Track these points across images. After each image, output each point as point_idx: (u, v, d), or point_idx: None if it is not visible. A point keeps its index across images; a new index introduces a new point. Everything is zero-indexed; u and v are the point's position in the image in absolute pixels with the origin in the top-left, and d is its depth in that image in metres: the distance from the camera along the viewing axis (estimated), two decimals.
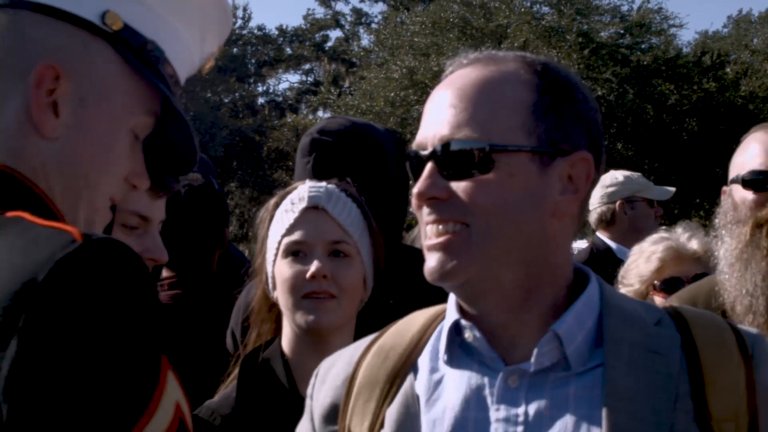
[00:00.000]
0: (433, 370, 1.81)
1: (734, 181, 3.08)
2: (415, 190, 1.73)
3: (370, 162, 3.22)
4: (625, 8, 28.55)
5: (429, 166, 1.72)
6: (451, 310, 1.82)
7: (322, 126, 3.33)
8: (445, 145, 1.70)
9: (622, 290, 3.78)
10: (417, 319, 1.94)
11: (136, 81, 1.62)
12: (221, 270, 4.08)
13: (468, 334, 1.77)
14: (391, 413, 1.80)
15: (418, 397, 1.80)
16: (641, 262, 3.81)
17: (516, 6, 28.02)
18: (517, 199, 1.69)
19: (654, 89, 26.90)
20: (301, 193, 2.69)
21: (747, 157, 3.08)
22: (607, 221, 6.19)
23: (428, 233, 1.72)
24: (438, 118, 1.73)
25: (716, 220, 3.07)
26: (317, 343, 2.59)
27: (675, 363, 1.69)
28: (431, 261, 1.71)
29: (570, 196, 1.75)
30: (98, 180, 1.60)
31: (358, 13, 55.87)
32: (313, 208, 2.64)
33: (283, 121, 44.13)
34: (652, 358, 1.70)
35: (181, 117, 1.68)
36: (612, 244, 6.09)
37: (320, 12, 56.81)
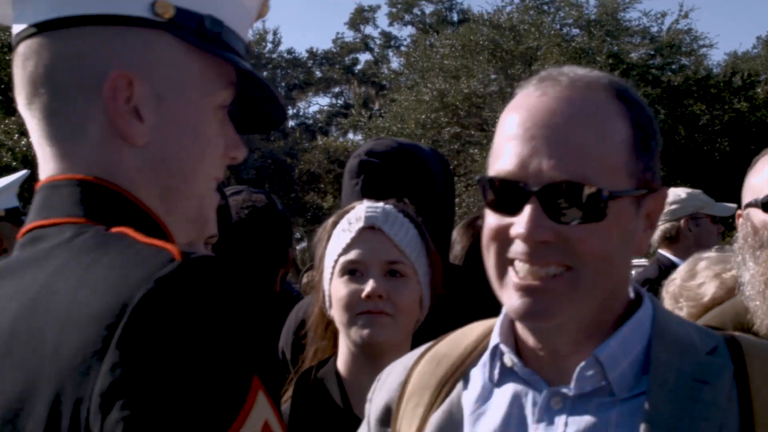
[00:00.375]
0: (483, 382, 1.79)
1: (751, 204, 2.99)
2: (518, 229, 1.61)
3: (418, 182, 3.24)
4: (654, 29, 28.60)
5: (533, 205, 1.60)
6: (495, 331, 1.80)
7: (369, 147, 3.34)
8: (557, 185, 1.59)
9: (681, 303, 3.69)
10: (474, 329, 1.92)
11: (205, 60, 1.58)
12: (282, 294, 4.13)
13: (507, 359, 1.76)
14: (435, 420, 1.79)
15: (462, 408, 1.79)
16: (708, 279, 3.69)
17: (546, 28, 28.10)
18: (620, 243, 1.64)
19: (685, 110, 26.84)
20: (359, 213, 2.69)
21: (763, 179, 2.99)
22: (672, 238, 6.09)
23: (520, 272, 1.63)
24: (541, 152, 1.60)
25: (736, 245, 3.00)
26: (372, 361, 2.58)
27: (723, 393, 1.63)
28: (523, 301, 1.63)
29: (649, 232, 1.73)
30: (196, 169, 1.59)
31: (387, 36, 56.14)
32: (369, 228, 2.65)
33: (314, 143, 44.39)
34: (698, 387, 1.64)
35: (256, 77, 1.64)
36: (676, 260, 5.80)
37: (349, 35, 57.18)
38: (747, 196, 3.06)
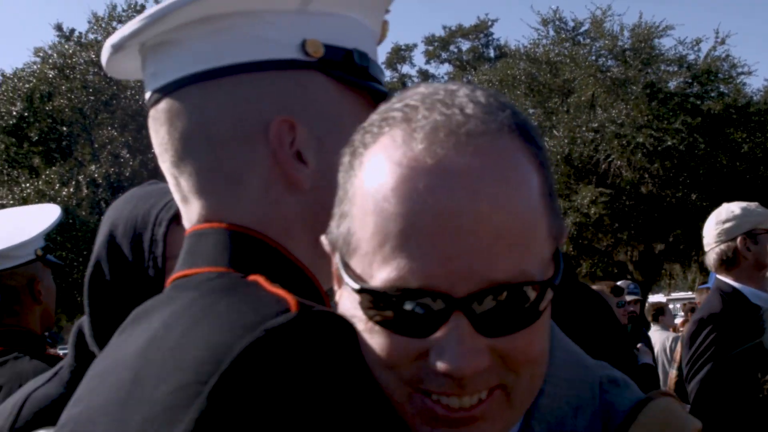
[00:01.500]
0: None
1: None
2: (443, 363, 1.15)
3: None
4: (691, 57, 28.38)
5: (462, 324, 1.15)
6: None
7: None
8: (490, 291, 1.14)
9: None
10: None
11: (354, 94, 1.55)
12: None
13: None
14: None
15: None
16: None
17: (581, 60, 28.03)
18: (548, 323, 1.28)
19: (726, 138, 26.61)
20: None
21: None
22: (729, 261, 5.27)
23: (443, 402, 1.20)
24: (460, 247, 1.12)
25: None
26: None
27: None
28: None
29: None
30: None
31: (424, 74, 56.48)
32: None
33: None
34: None
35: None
36: (738, 286, 5.19)
37: (387, 75, 57.54)
38: None
